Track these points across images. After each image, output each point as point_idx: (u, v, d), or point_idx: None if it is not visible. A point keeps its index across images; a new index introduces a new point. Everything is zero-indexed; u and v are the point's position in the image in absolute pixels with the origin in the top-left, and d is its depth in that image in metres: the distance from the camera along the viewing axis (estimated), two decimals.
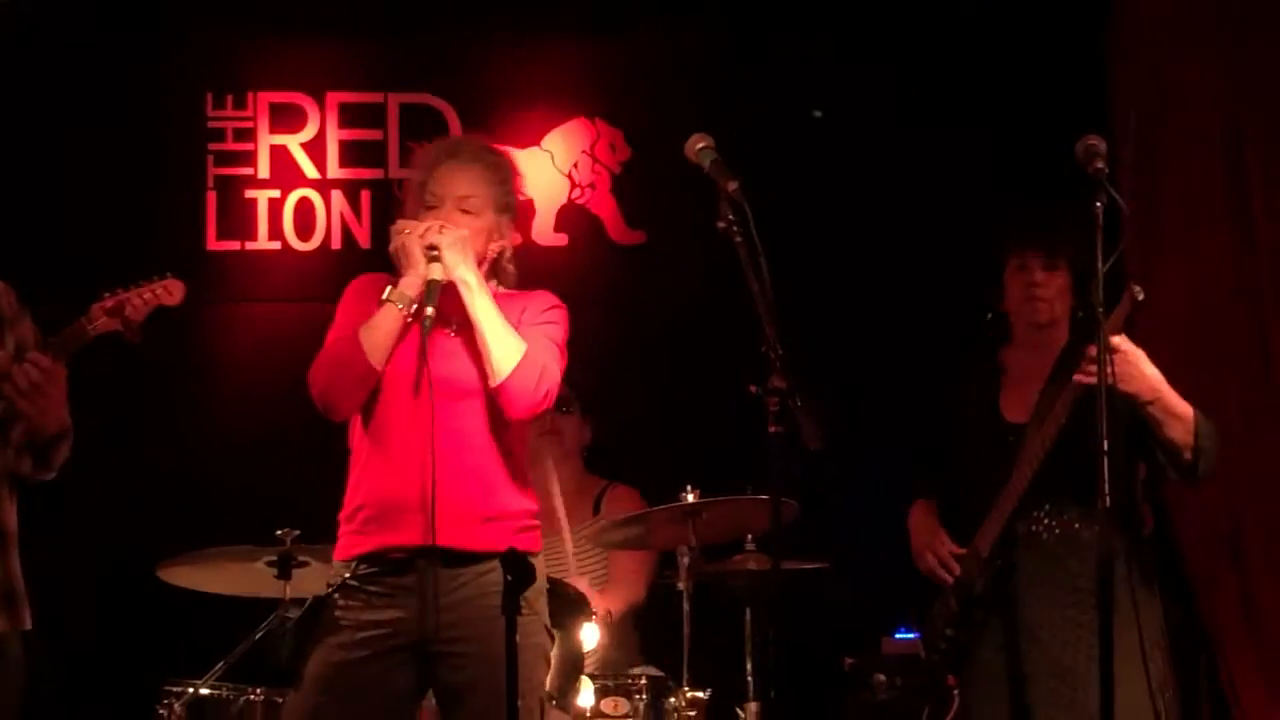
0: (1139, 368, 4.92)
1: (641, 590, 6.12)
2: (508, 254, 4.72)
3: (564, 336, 4.67)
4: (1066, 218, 4.66)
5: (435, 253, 4.47)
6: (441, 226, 4.49)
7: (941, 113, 6.67)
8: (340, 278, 6.37)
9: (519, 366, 4.49)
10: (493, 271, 4.69)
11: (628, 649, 5.93)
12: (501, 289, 4.69)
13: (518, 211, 4.80)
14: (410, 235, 4.50)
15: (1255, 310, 6.44)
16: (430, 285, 4.47)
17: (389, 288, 4.53)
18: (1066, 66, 6.59)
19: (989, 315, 5.43)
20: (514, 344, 4.52)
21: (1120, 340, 4.81)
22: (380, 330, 4.51)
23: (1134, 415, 4.93)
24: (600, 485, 6.21)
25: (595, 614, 5.60)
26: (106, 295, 4.76)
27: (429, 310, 4.42)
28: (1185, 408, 5.03)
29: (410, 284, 4.49)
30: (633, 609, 6.07)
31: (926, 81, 6.70)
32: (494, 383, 4.49)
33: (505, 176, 4.70)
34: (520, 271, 4.76)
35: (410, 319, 4.50)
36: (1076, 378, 4.87)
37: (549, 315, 4.68)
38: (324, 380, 4.55)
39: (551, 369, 4.57)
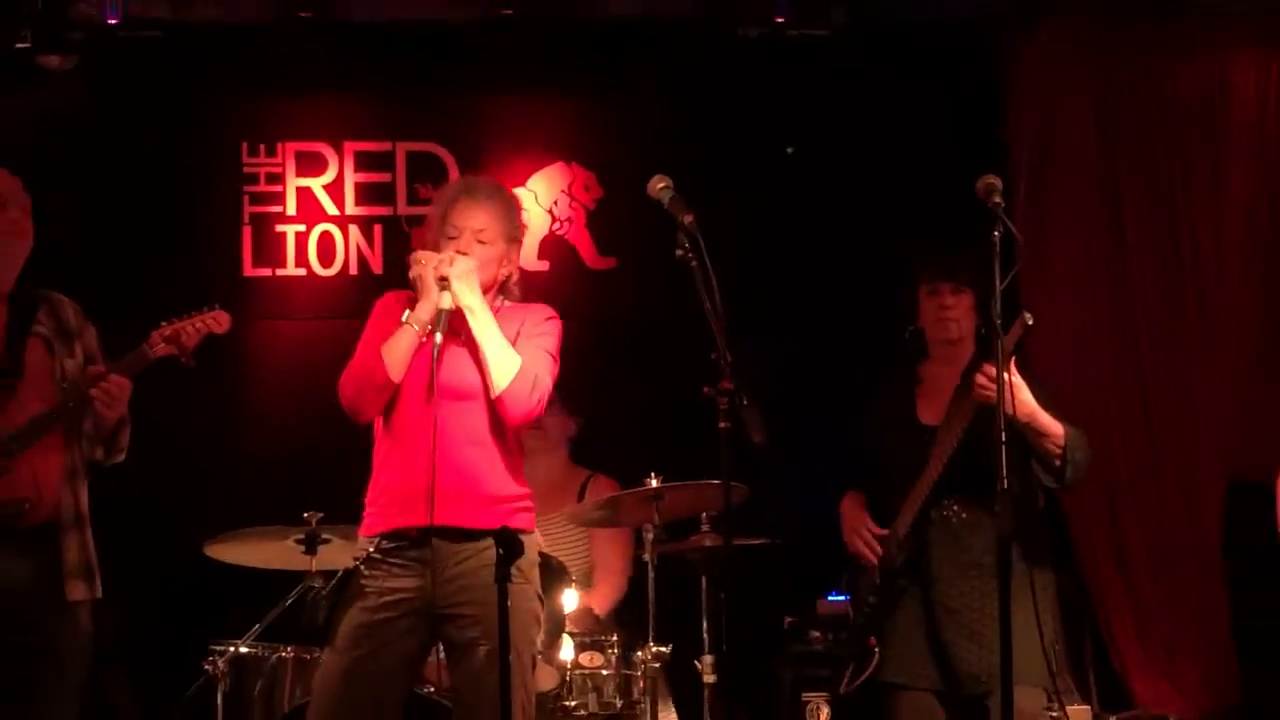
0: (1018, 394, 4.98)
1: (624, 585, 6.07)
2: (514, 276, 4.76)
3: (557, 345, 4.70)
4: (969, 250, 4.63)
5: (446, 283, 4.45)
6: (452, 259, 4.48)
7: (869, 160, 6.59)
8: (356, 299, 6.51)
9: (515, 380, 4.54)
10: (501, 290, 4.71)
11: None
12: (508, 304, 4.73)
13: (522, 240, 4.81)
14: (426, 266, 4.52)
15: (1131, 339, 6.47)
16: (440, 313, 4.48)
17: (407, 311, 4.58)
18: (970, 117, 6.55)
19: (908, 332, 5.46)
20: (510, 360, 4.55)
21: (998, 371, 4.82)
22: (399, 349, 4.56)
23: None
24: (585, 475, 6.15)
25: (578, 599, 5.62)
26: (164, 324, 4.87)
27: (438, 336, 4.46)
28: (1056, 427, 5.13)
29: (425, 309, 4.53)
30: (616, 604, 6.01)
31: (857, 134, 6.62)
32: (494, 394, 4.57)
33: (513, 211, 4.73)
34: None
35: (424, 338, 4.51)
36: (973, 395, 4.94)
37: (544, 327, 4.70)
38: (351, 391, 4.61)
39: (544, 379, 4.59)
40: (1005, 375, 4.69)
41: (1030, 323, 4.89)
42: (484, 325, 4.53)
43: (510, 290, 4.75)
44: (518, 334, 4.64)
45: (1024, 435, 5.00)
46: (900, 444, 5.37)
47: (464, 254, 4.58)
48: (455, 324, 4.53)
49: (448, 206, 4.67)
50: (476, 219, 4.62)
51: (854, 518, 5.48)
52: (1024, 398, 5.00)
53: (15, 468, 4.73)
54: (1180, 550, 6.37)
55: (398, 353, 4.53)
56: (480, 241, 4.61)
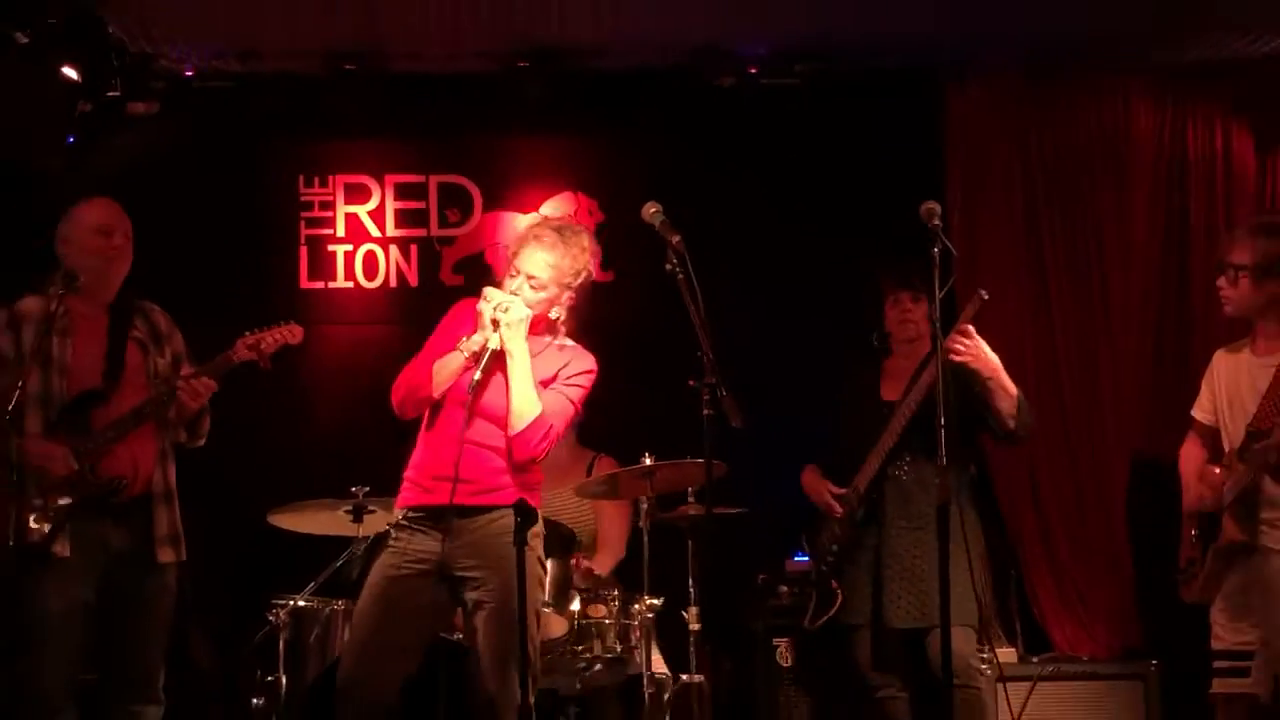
0: (983, 351, 5.03)
1: (623, 550, 5.98)
2: (564, 316, 4.68)
3: (583, 397, 4.71)
4: (924, 264, 4.71)
5: (496, 323, 4.47)
6: (507, 307, 4.49)
7: (829, 187, 6.63)
8: (395, 307, 6.60)
9: (529, 427, 4.52)
10: (549, 328, 4.66)
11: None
12: (555, 342, 4.70)
13: (585, 283, 4.69)
14: (488, 306, 4.50)
15: (1048, 336, 6.52)
16: (488, 352, 4.48)
17: (464, 338, 4.54)
18: (913, 153, 6.56)
19: (875, 336, 5.62)
20: (531, 408, 4.52)
21: (970, 329, 4.95)
22: (446, 371, 4.56)
23: (973, 391, 5.10)
24: (590, 455, 6.08)
25: (584, 565, 5.63)
26: (248, 333, 4.90)
27: (476, 375, 4.47)
28: (1014, 388, 5.22)
29: (476, 341, 4.52)
30: (617, 565, 5.97)
31: (820, 166, 6.67)
32: (510, 433, 4.51)
33: (571, 262, 4.61)
34: None
35: (470, 365, 4.51)
36: (949, 349, 4.94)
37: (579, 379, 4.68)
38: (400, 396, 4.62)
39: (557, 428, 4.58)
40: (940, 370, 4.78)
41: (986, 297, 5.06)
42: (519, 371, 4.50)
43: (558, 330, 4.69)
44: (556, 374, 4.62)
45: (985, 392, 5.13)
46: (865, 415, 5.48)
47: (517, 295, 4.53)
48: (498, 359, 4.51)
49: (517, 247, 4.65)
50: (534, 265, 4.55)
51: (816, 484, 5.59)
52: (989, 357, 5.12)
53: (115, 451, 4.74)
54: (1090, 514, 6.40)
55: (444, 374, 4.54)
56: (533, 287, 4.55)
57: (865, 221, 6.35)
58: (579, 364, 4.68)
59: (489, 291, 4.56)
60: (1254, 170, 6.55)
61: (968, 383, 5.10)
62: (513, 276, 4.59)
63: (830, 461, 5.63)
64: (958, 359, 5.05)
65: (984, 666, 5.40)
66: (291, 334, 4.96)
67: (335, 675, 4.82)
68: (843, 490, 5.52)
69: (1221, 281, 4.90)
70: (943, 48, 6.47)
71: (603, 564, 5.94)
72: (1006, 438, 5.33)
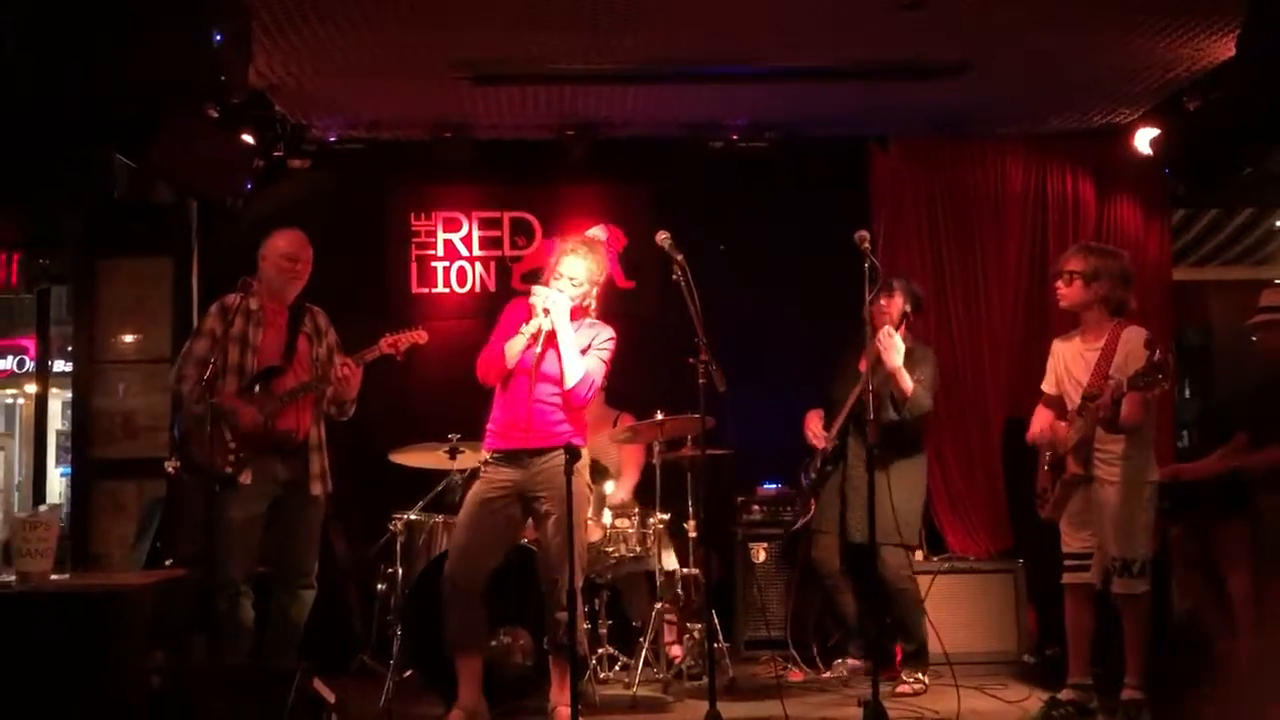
0: (889, 354, 5.00)
1: (638, 477, 5.96)
2: (593, 305, 4.73)
3: (611, 356, 4.71)
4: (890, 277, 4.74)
5: (548, 313, 4.51)
6: (553, 298, 4.52)
7: (791, 221, 6.58)
8: (480, 306, 6.64)
9: (579, 383, 4.54)
10: (583, 313, 4.65)
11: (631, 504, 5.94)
12: (587, 322, 4.67)
13: (604, 282, 4.76)
14: (539, 298, 4.54)
15: (947, 330, 6.44)
16: (542, 332, 4.51)
17: (524, 324, 4.57)
18: (848, 194, 6.52)
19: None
20: (579, 366, 4.54)
21: (890, 331, 4.96)
22: (514, 349, 4.58)
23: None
24: (615, 413, 6.02)
25: (611, 492, 5.68)
26: (388, 334, 4.96)
27: (536, 349, 4.51)
28: (908, 385, 5.26)
29: (532, 325, 4.54)
30: (634, 489, 5.94)
31: (784, 206, 6.61)
32: (565, 388, 4.54)
33: (597, 266, 4.68)
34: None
35: (530, 345, 4.54)
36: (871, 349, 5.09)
37: (605, 344, 4.70)
38: (483, 369, 4.65)
39: (597, 381, 4.62)
40: (884, 345, 4.83)
41: (919, 293, 5.35)
42: (566, 343, 4.55)
43: (590, 312, 4.73)
44: (590, 343, 4.63)
45: (889, 379, 5.14)
46: (847, 380, 5.48)
47: (561, 291, 4.59)
48: (550, 337, 4.55)
49: (558, 257, 4.69)
50: (572, 269, 4.62)
51: (813, 423, 5.61)
52: (893, 360, 5.13)
53: (287, 412, 4.82)
54: (976, 456, 6.36)
55: (513, 351, 4.58)
56: (572, 285, 4.61)
57: (815, 243, 6.19)
58: (604, 334, 4.71)
59: (538, 289, 4.60)
60: (1094, 210, 6.50)
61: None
62: (557, 278, 4.63)
63: (827, 409, 5.64)
64: (876, 350, 5.08)
65: (911, 572, 5.41)
66: (420, 336, 5.02)
67: (437, 568, 4.87)
68: (825, 432, 5.55)
69: (1059, 284, 4.91)
70: (869, 122, 6.43)
71: (626, 488, 5.95)
72: (896, 413, 5.31)
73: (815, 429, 5.59)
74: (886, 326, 5.15)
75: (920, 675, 5.34)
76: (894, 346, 5.15)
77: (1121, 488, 4.63)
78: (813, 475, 5.56)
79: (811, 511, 5.54)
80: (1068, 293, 4.85)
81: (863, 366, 5.43)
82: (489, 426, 4.70)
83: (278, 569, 4.92)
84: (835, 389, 5.59)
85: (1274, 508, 4.89)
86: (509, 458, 4.60)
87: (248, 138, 5.89)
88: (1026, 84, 5.90)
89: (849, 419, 5.46)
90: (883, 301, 5.42)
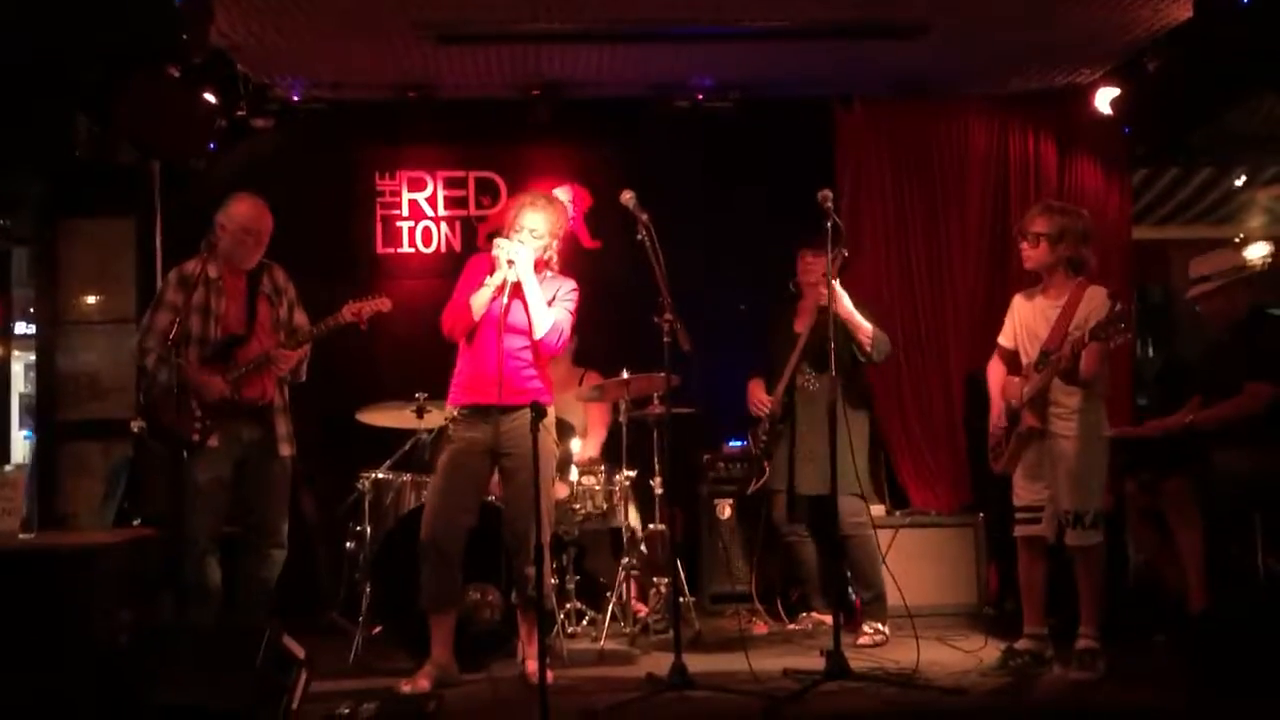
0: (842, 302, 5.04)
1: (604, 436, 5.99)
2: (554, 258, 4.74)
3: (576, 306, 4.75)
4: (820, 233, 4.76)
5: (511, 264, 4.52)
6: (516, 250, 4.54)
7: (755, 181, 6.60)
8: (445, 266, 6.62)
9: (548, 331, 4.56)
10: (545, 265, 4.66)
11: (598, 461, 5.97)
12: (549, 275, 4.68)
13: (565, 235, 4.80)
14: (501, 250, 4.55)
15: (910, 286, 6.48)
16: (508, 284, 4.52)
17: (488, 277, 4.57)
18: (814, 155, 6.51)
19: (791, 284, 5.61)
20: (547, 316, 4.56)
21: (834, 284, 4.97)
22: (479, 301, 4.57)
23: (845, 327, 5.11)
24: (581, 371, 6.10)
25: (578, 450, 5.69)
26: (352, 301, 4.91)
27: (503, 299, 4.52)
28: (867, 326, 5.29)
29: (497, 277, 4.54)
30: (601, 447, 5.98)
31: (747, 166, 6.62)
32: (535, 337, 4.56)
33: (557, 218, 4.71)
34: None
35: (495, 297, 4.54)
36: (817, 297, 5.13)
37: (570, 295, 4.73)
38: (448, 323, 4.66)
39: (565, 329, 4.63)
40: (832, 295, 4.88)
41: (846, 254, 5.19)
42: (532, 292, 4.57)
43: (552, 266, 4.74)
44: (554, 296, 4.65)
45: (848, 328, 5.17)
46: (782, 341, 5.54)
47: (523, 244, 4.60)
48: (515, 289, 4.56)
49: (518, 210, 4.70)
50: (533, 221, 4.64)
51: (754, 391, 5.66)
52: (845, 304, 5.18)
53: (250, 380, 4.84)
54: (937, 412, 6.41)
55: (478, 303, 4.58)
56: (533, 237, 4.63)
57: (780, 202, 6.19)
58: (567, 285, 4.75)
59: (500, 241, 4.61)
60: (1055, 169, 6.54)
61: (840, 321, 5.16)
62: (517, 231, 4.64)
63: (765, 375, 5.69)
64: (822, 303, 5.12)
65: (865, 519, 5.46)
66: (383, 304, 4.97)
67: (405, 526, 4.91)
68: (769, 397, 5.60)
69: (1025, 245, 4.94)
70: (833, 82, 6.43)
71: (594, 446, 5.99)
72: (867, 359, 5.39)
73: (759, 397, 5.64)
74: (833, 281, 5.15)
75: (880, 626, 5.42)
76: (842, 294, 5.18)
77: (1076, 441, 4.67)
78: (763, 439, 5.62)
79: (766, 473, 5.61)
80: (1034, 254, 4.89)
81: (799, 327, 5.50)
82: (455, 381, 4.70)
83: (247, 529, 4.94)
84: (773, 355, 5.63)
85: (1225, 461, 4.99)
86: (478, 413, 4.60)
87: (210, 98, 5.86)
88: (988, 45, 5.93)
89: (790, 380, 5.52)
90: (808, 259, 5.48)
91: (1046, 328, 4.80)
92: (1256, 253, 7.19)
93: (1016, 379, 4.91)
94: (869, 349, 5.34)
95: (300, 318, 5.05)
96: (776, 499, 5.62)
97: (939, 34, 5.72)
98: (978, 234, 6.45)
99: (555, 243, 4.72)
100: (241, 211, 4.94)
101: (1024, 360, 4.90)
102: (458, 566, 4.64)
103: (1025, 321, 4.93)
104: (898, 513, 6.14)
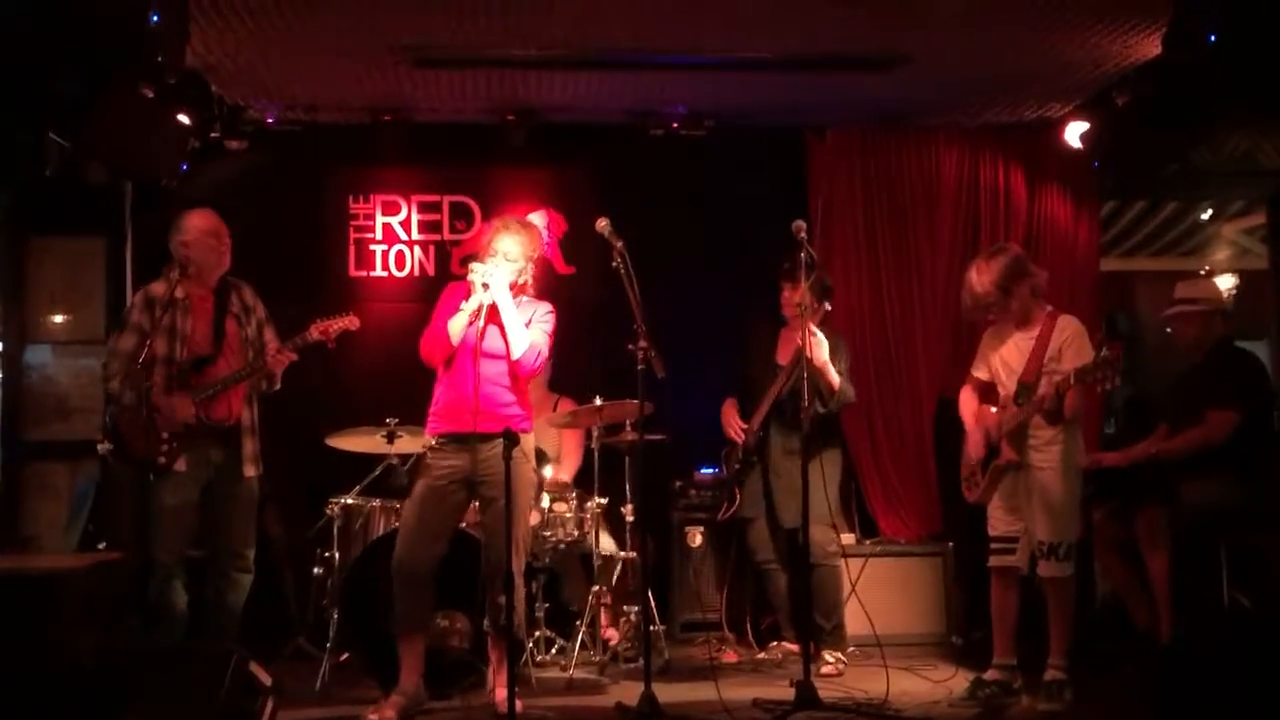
0: (818, 351, 5.04)
1: (579, 462, 6.01)
2: (529, 282, 4.70)
3: (553, 328, 4.74)
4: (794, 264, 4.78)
5: (487, 287, 4.52)
6: (491, 273, 4.53)
7: (729, 208, 6.60)
8: (418, 291, 6.59)
9: (525, 352, 4.55)
10: (520, 290, 4.66)
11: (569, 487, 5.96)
12: (525, 299, 4.68)
13: (539, 259, 4.81)
14: (477, 275, 4.55)
15: (880, 315, 6.52)
16: (484, 307, 4.51)
17: (464, 302, 4.56)
18: (786, 185, 6.57)
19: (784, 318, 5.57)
20: (524, 337, 4.55)
21: (812, 329, 4.98)
22: (456, 326, 4.56)
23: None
24: (555, 397, 6.05)
25: (553, 474, 5.68)
26: (319, 320, 4.93)
27: (479, 322, 4.51)
28: (835, 380, 5.30)
29: (473, 301, 4.54)
30: (575, 473, 5.99)
31: (721, 194, 6.61)
32: (512, 358, 4.55)
33: (532, 242, 4.72)
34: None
35: (472, 321, 4.54)
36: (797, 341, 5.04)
37: (546, 318, 4.73)
38: (426, 349, 4.64)
39: (543, 351, 4.62)
40: (808, 342, 4.90)
41: (829, 308, 5.25)
42: (509, 315, 4.56)
43: (527, 290, 4.74)
44: (530, 319, 4.65)
45: (815, 373, 5.16)
46: (764, 372, 5.53)
47: (497, 267, 4.59)
48: (492, 312, 4.55)
49: (492, 235, 4.70)
50: (507, 245, 4.64)
51: (729, 415, 5.65)
52: (820, 355, 5.17)
53: (218, 401, 4.81)
54: (908, 440, 6.43)
55: (456, 328, 4.57)
56: (508, 260, 4.63)
57: (752, 231, 6.26)
58: (543, 308, 4.75)
59: (476, 265, 4.61)
60: (1025, 200, 6.59)
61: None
62: (492, 255, 4.64)
63: (741, 399, 5.68)
64: (800, 345, 5.14)
65: (837, 550, 5.49)
66: (351, 322, 4.99)
67: (375, 553, 4.88)
68: (744, 425, 5.60)
69: (991, 317, 4.92)
70: (806, 111, 6.47)
71: (567, 471, 5.99)
72: (824, 407, 5.34)
73: (734, 423, 5.64)
74: (810, 325, 5.15)
75: (841, 655, 5.43)
76: (820, 343, 5.19)
77: (1053, 473, 4.69)
78: (736, 466, 5.61)
79: (738, 500, 5.60)
80: (1003, 315, 4.89)
81: (783, 360, 5.51)
82: (432, 409, 4.68)
83: (213, 552, 4.91)
84: (750, 377, 5.62)
85: (1192, 492, 5.04)
86: (456, 441, 4.58)
87: (184, 118, 5.82)
88: (959, 78, 5.98)
89: (771, 412, 5.51)
90: (786, 292, 5.49)
91: (1022, 360, 4.82)
92: (1222, 285, 7.29)
93: (992, 409, 4.92)
94: (829, 401, 5.36)
95: (270, 336, 5.03)
96: (750, 527, 5.61)
97: (911, 66, 5.77)
98: (948, 262, 6.46)
99: (530, 266, 4.72)
100: (197, 221, 4.94)
101: (1001, 392, 4.91)
102: (430, 591, 4.61)
103: (999, 353, 4.94)
104: (867, 541, 6.14)
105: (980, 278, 4.83)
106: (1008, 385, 4.86)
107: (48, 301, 6.46)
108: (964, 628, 5.92)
